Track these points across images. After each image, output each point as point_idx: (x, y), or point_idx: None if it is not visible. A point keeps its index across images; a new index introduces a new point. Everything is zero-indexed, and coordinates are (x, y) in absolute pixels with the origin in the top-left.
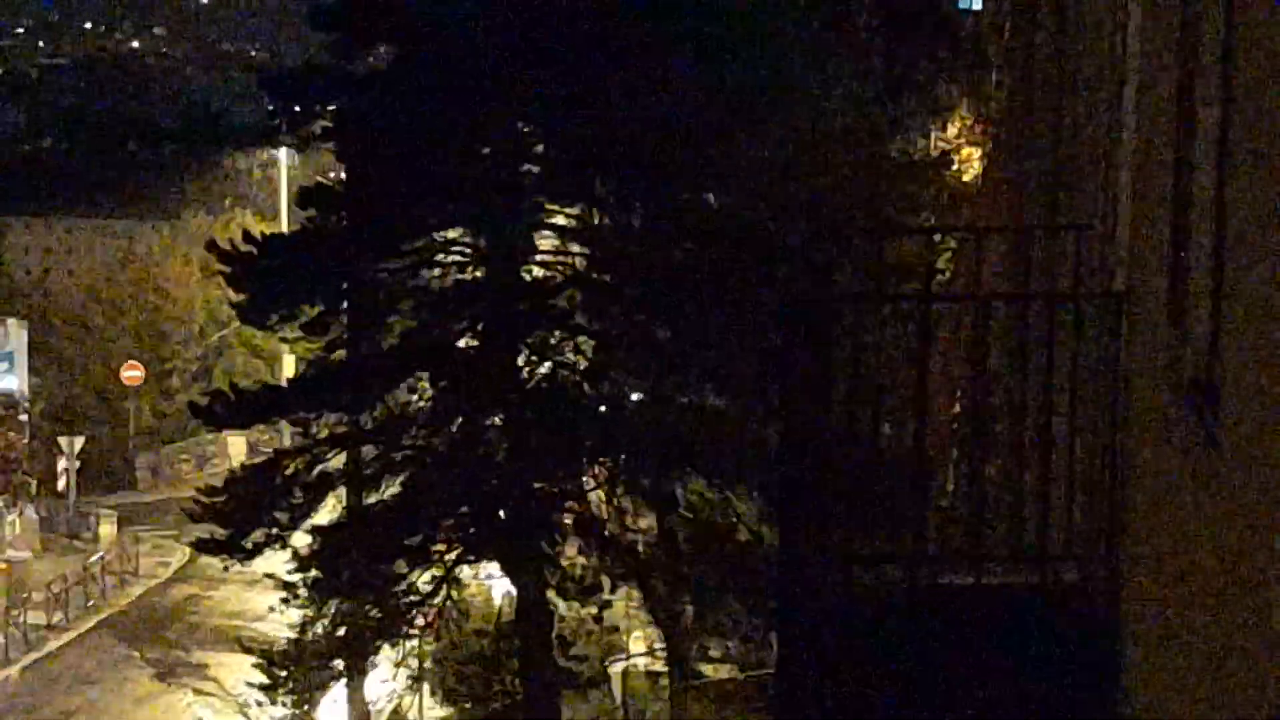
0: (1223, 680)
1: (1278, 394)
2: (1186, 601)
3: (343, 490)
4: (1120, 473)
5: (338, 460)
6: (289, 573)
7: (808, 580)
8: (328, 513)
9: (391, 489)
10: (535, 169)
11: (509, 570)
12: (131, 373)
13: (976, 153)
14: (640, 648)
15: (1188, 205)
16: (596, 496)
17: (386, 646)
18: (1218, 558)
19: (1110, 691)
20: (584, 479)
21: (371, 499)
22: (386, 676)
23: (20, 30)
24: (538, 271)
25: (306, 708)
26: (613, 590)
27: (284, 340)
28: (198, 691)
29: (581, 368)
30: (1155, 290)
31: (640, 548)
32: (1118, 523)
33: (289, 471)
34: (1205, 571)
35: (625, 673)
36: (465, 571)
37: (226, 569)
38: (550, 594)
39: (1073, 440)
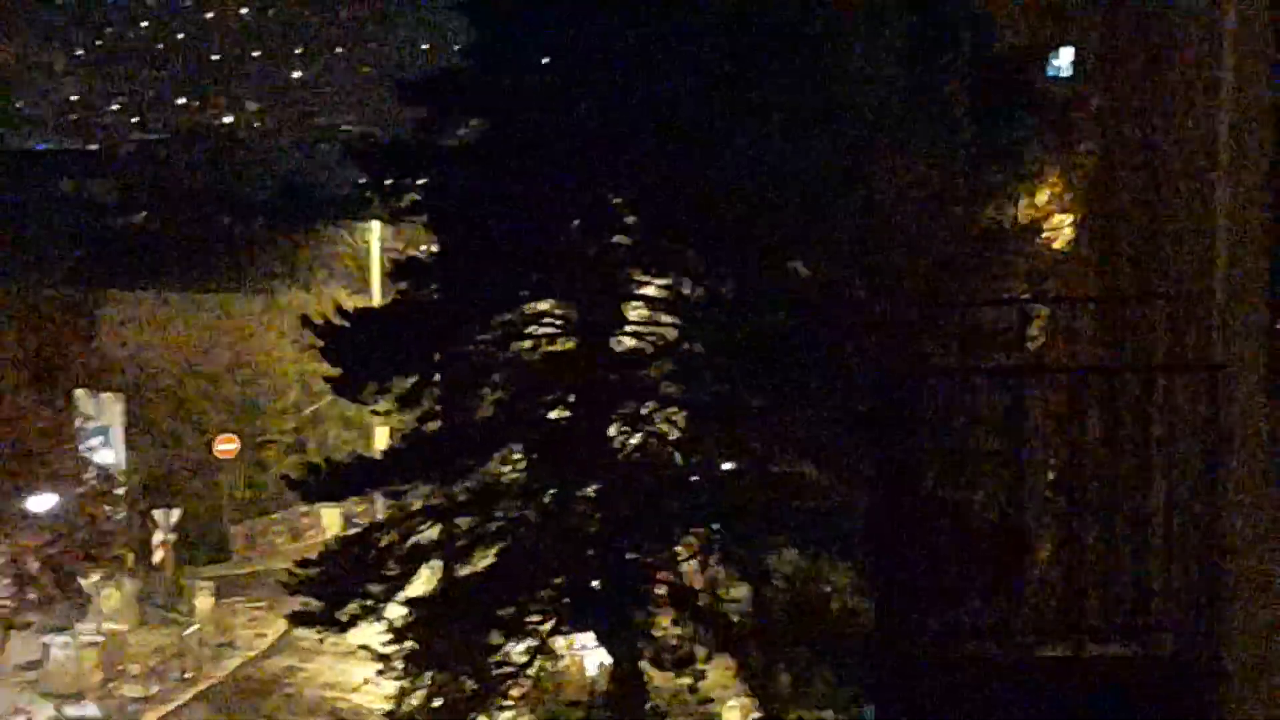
0: None
1: None
2: None
3: (437, 562)
4: (1218, 544)
5: (431, 532)
6: (384, 644)
7: (904, 652)
8: (422, 584)
9: (485, 560)
10: (625, 240)
11: (603, 641)
12: (226, 445)
13: (1067, 220)
14: (736, 718)
15: None
16: (690, 566)
17: (482, 718)
18: None
19: None
20: (677, 549)
21: (465, 570)
22: None
23: (115, 107)
24: (628, 342)
25: None
26: (707, 661)
27: (376, 413)
28: None
29: (673, 438)
30: (1253, 362)
31: (734, 618)
32: (1217, 594)
33: (383, 543)
34: None
35: None
36: (559, 642)
37: (322, 640)
38: (644, 664)
39: (1170, 511)
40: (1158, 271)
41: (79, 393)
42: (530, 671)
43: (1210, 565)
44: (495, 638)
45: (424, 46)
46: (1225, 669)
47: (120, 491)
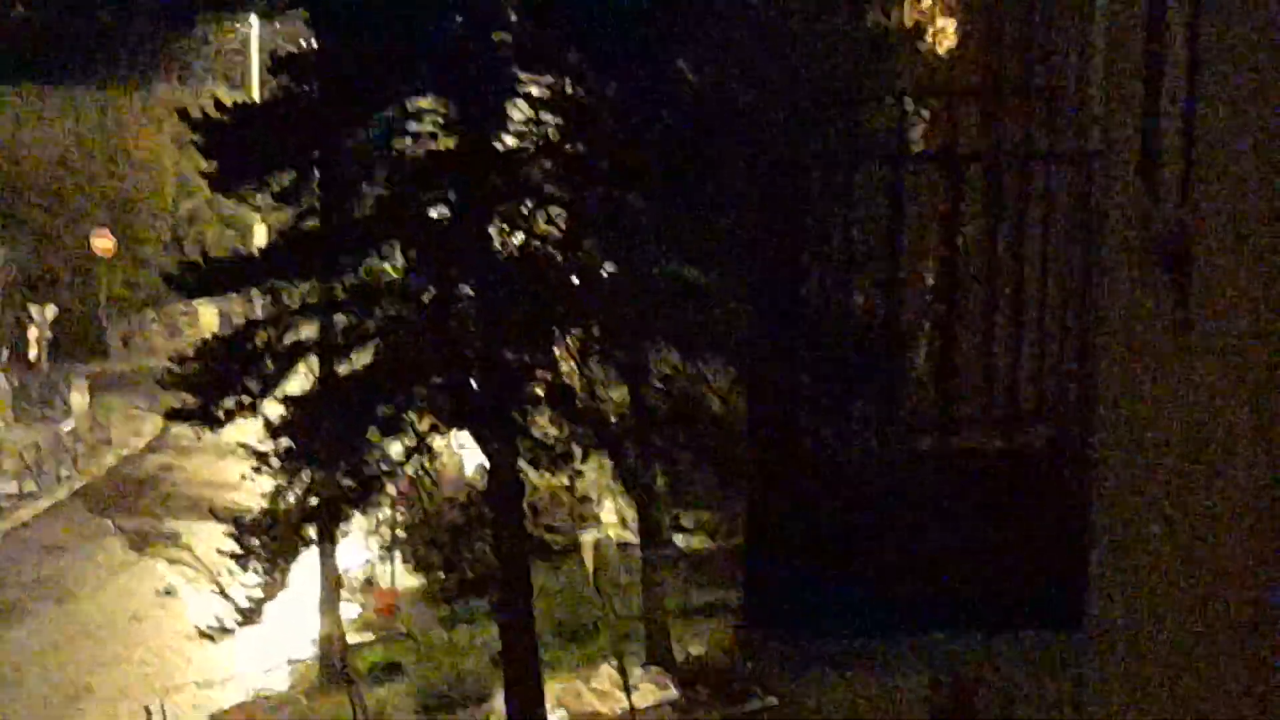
0: (1192, 540)
1: (1249, 250)
2: (1157, 462)
3: (314, 359)
4: (1092, 334)
5: (309, 329)
6: (260, 441)
7: (779, 447)
8: (299, 382)
9: (363, 358)
10: (508, 37)
11: (480, 440)
12: (103, 242)
13: (951, 24)
14: (612, 518)
15: (1160, 62)
16: (568, 367)
17: (359, 515)
18: (1189, 416)
19: (1079, 552)
20: (556, 349)
21: (343, 368)
22: (359, 545)
23: None
24: (510, 141)
25: (279, 576)
26: (584, 460)
27: (255, 209)
28: (170, 560)
29: (554, 238)
30: (1127, 148)
31: (612, 418)
32: (1089, 385)
33: (260, 340)
34: (1176, 430)
35: (597, 542)
36: (437, 441)
37: (199, 438)
38: (522, 463)
39: (1044, 303)
40: (1038, 67)
41: None
42: (408, 470)
43: (1083, 355)
44: (373, 435)
45: None
46: (1095, 459)
47: None
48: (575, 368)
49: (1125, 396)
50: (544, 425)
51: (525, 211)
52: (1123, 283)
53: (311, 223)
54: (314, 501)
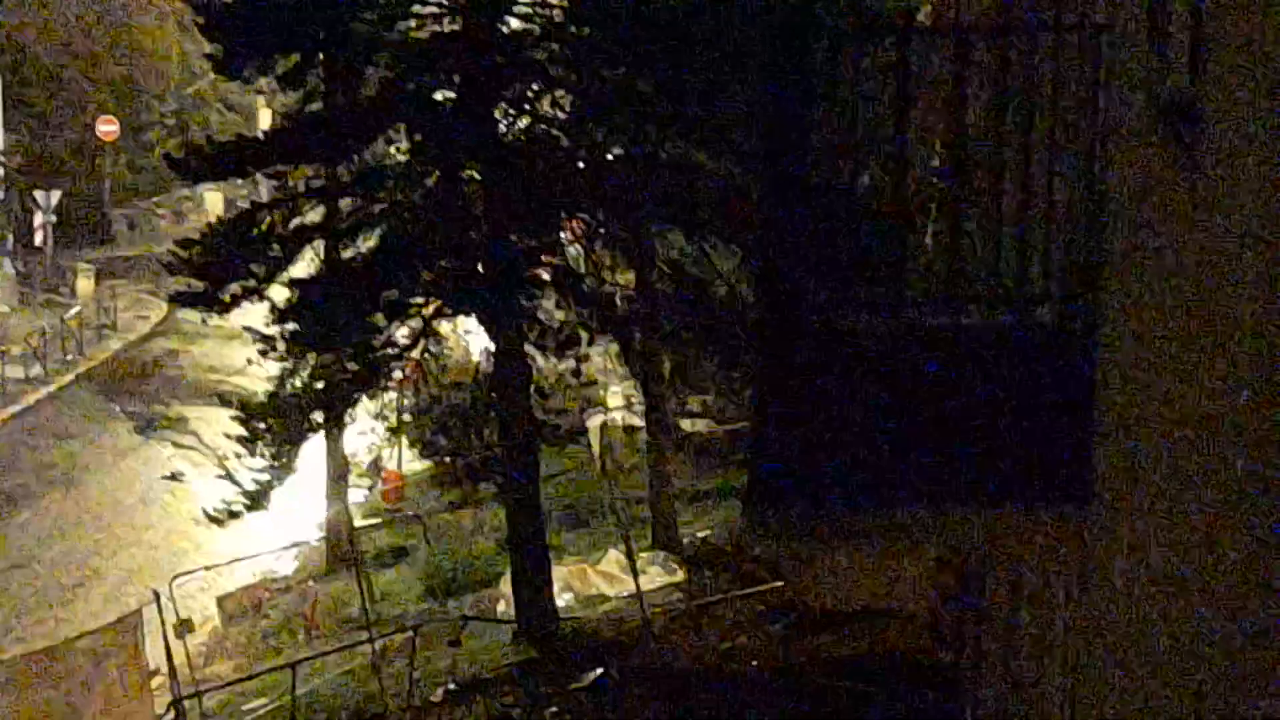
0: (1198, 411)
1: (1258, 117)
2: (1163, 333)
3: (320, 243)
4: (1100, 211)
5: (315, 213)
6: (266, 326)
7: (786, 328)
8: (305, 265)
9: (369, 242)
10: None
11: (487, 324)
12: (107, 127)
13: None
14: (618, 401)
15: None
16: (575, 250)
17: (365, 399)
18: (1194, 289)
19: (1085, 427)
20: (562, 233)
21: (349, 252)
22: (365, 429)
23: None
24: (515, 23)
25: (285, 460)
26: (590, 344)
27: (259, 93)
28: (176, 445)
29: (559, 121)
30: (1135, 18)
31: (619, 302)
32: (1097, 262)
33: (266, 224)
34: (1182, 305)
35: (603, 426)
36: (444, 325)
37: (205, 323)
38: (528, 347)
39: (1051, 180)
40: None
41: None
42: (414, 354)
43: (1091, 231)
44: (379, 319)
45: None
46: (1101, 335)
47: None
48: (581, 251)
49: (1133, 269)
50: (550, 309)
51: (530, 94)
52: (1129, 154)
53: (316, 106)
54: (320, 385)
